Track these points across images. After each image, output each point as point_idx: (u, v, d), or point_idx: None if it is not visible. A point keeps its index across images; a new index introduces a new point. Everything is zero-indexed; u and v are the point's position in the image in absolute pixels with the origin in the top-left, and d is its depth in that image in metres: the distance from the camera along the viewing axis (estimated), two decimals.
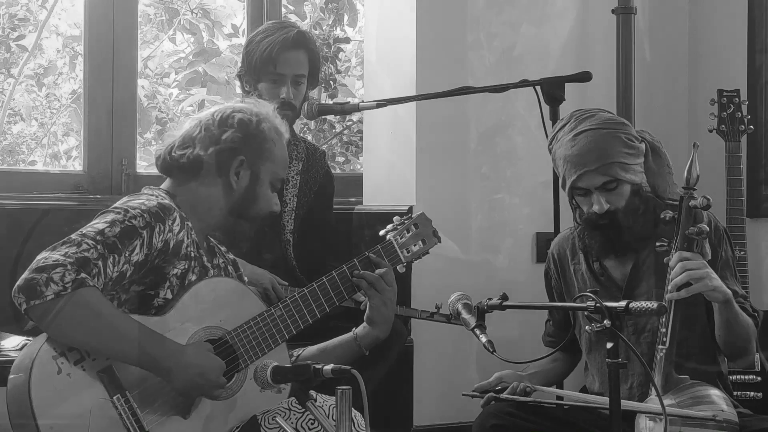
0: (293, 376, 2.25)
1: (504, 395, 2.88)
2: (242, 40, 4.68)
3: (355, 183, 4.32)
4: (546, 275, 3.20)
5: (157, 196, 2.47)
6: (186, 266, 2.45)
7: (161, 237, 2.38)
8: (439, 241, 2.84)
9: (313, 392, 2.29)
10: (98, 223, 2.34)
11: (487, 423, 2.89)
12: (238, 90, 3.72)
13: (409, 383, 3.96)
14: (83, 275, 2.24)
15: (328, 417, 2.48)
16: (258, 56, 3.51)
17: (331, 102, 4.97)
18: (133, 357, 2.30)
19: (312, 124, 5.28)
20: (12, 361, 2.36)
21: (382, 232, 2.78)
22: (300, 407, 2.53)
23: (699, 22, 4.53)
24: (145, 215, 2.37)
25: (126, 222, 2.34)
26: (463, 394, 2.93)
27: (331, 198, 3.81)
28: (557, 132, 3.03)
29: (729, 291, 2.77)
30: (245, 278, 2.78)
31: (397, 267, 2.76)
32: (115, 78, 4.02)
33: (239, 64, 3.70)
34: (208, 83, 5.30)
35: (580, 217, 3.01)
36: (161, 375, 2.32)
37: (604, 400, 2.79)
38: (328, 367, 2.21)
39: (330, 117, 5.30)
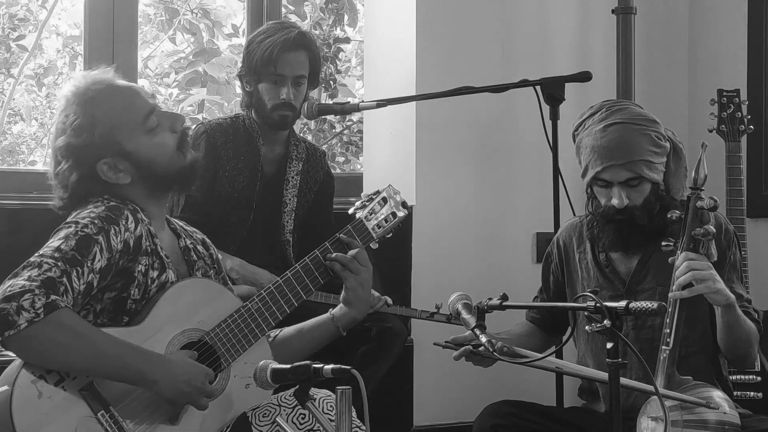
0: (293, 376, 2.25)
1: (481, 350, 2.80)
2: (242, 40, 4.68)
3: (355, 183, 4.32)
4: (546, 258, 3.20)
5: (102, 201, 2.43)
6: (147, 262, 2.42)
7: (119, 238, 2.35)
8: (408, 212, 2.79)
9: (311, 392, 2.29)
10: (53, 242, 2.31)
11: (488, 422, 2.89)
12: (238, 90, 3.72)
13: (409, 383, 3.96)
14: (53, 297, 2.20)
15: (319, 408, 2.47)
16: (259, 57, 3.51)
17: (331, 102, 4.98)
18: (116, 372, 2.28)
19: (312, 124, 5.28)
20: (10, 362, 2.34)
21: (350, 211, 2.74)
22: (290, 402, 2.54)
23: (699, 22, 4.53)
24: (96, 221, 2.34)
25: (79, 233, 2.31)
26: (434, 344, 2.85)
27: (331, 198, 3.81)
28: (585, 119, 3.02)
29: (732, 295, 2.77)
30: (219, 256, 2.73)
31: (370, 244, 2.72)
32: None
33: (239, 64, 3.70)
34: (208, 83, 5.31)
35: (595, 209, 3.00)
36: (148, 387, 2.31)
37: (600, 374, 2.77)
38: (328, 367, 2.21)
39: (330, 117, 5.31)
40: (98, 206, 2.40)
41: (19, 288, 2.18)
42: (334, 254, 2.64)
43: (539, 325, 3.19)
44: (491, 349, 2.54)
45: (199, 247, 2.66)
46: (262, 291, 2.58)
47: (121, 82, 2.53)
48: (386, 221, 2.75)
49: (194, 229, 2.72)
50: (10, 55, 4.78)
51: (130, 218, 2.40)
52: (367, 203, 2.75)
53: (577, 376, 2.92)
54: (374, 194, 2.75)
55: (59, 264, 2.25)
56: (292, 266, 3.57)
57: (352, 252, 2.65)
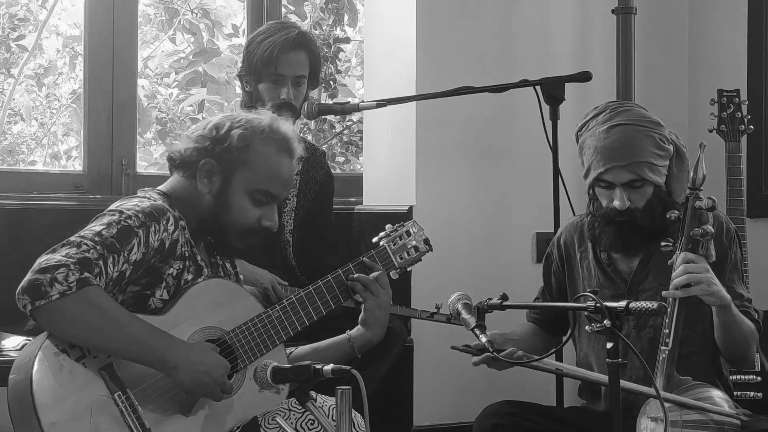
0: (293, 376, 2.25)
1: (503, 356, 2.82)
2: (242, 40, 4.68)
3: (355, 183, 4.32)
4: (547, 258, 3.20)
5: (149, 198, 2.49)
6: (181, 266, 2.46)
7: (157, 236, 2.40)
8: (431, 250, 2.87)
9: (313, 393, 2.29)
10: (95, 226, 2.36)
11: (488, 422, 2.89)
12: (238, 90, 3.72)
13: (409, 383, 3.96)
14: (87, 274, 2.25)
15: (327, 417, 2.48)
16: (259, 57, 3.51)
17: (331, 102, 4.97)
18: (139, 354, 2.31)
19: (312, 124, 5.28)
20: (12, 362, 2.36)
21: (375, 239, 2.82)
22: (300, 407, 2.54)
23: (699, 22, 4.53)
24: (140, 215, 2.39)
25: (122, 222, 2.36)
26: (452, 347, 2.87)
27: (331, 198, 3.81)
28: (589, 120, 3.02)
29: (727, 296, 2.77)
30: (241, 276, 2.79)
31: (390, 273, 2.78)
32: (115, 78, 4.02)
33: (239, 64, 3.70)
34: (208, 83, 5.30)
35: (597, 210, 3.00)
36: (167, 372, 2.33)
37: (601, 377, 2.79)
38: (328, 367, 2.21)
39: (330, 117, 5.30)
40: (144, 201, 2.45)
41: (56, 261, 2.24)
42: (356, 275, 2.70)
43: (541, 326, 3.19)
44: (491, 350, 2.54)
45: (228, 265, 2.72)
46: (284, 300, 2.63)
47: (299, 151, 2.62)
48: (408, 254, 2.83)
49: None
50: (10, 55, 4.78)
51: (171, 221, 2.44)
52: (391, 233, 2.82)
53: (578, 378, 2.93)
54: (399, 226, 2.84)
55: (98, 248, 2.30)
56: (292, 267, 3.60)
57: (374, 274, 2.71)
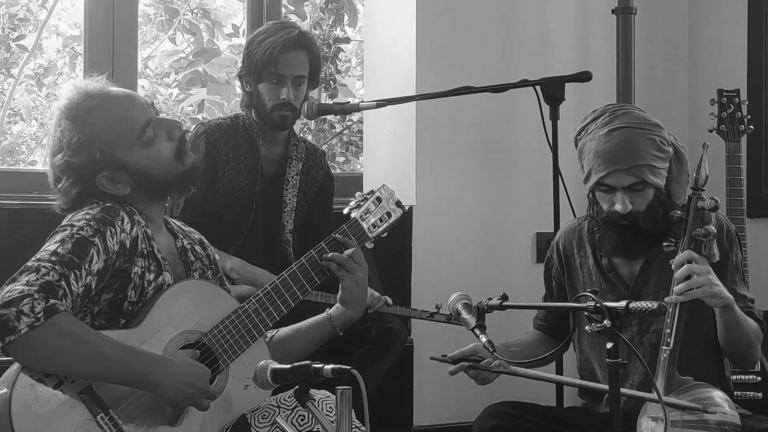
0: (293, 376, 2.25)
1: (482, 365, 2.83)
2: (242, 40, 4.68)
3: (355, 183, 4.32)
4: (547, 263, 3.19)
5: (98, 203, 2.43)
6: (143, 264, 2.41)
7: (115, 239, 2.35)
8: (404, 211, 2.78)
9: (311, 392, 2.29)
10: (49, 245, 2.31)
11: (487, 423, 2.89)
12: (238, 90, 3.72)
13: (409, 383, 3.96)
14: (52, 301, 2.19)
15: (318, 408, 2.47)
16: (259, 57, 3.51)
17: (331, 102, 4.98)
18: (119, 376, 2.27)
19: (312, 124, 5.28)
20: (7, 362, 2.34)
21: (345, 211, 2.75)
22: (290, 403, 2.53)
23: (699, 22, 4.53)
24: (92, 223, 2.34)
25: (75, 235, 2.31)
26: (431, 358, 2.88)
27: (331, 198, 3.81)
28: (588, 123, 3.00)
29: (730, 297, 2.76)
30: (216, 256, 2.74)
31: (366, 244, 2.72)
32: (115, 78, 3.99)
33: (239, 64, 3.70)
34: (208, 83, 5.31)
35: (597, 214, 2.99)
36: (151, 389, 2.30)
37: (600, 386, 2.81)
38: (328, 367, 2.20)
39: (330, 117, 5.31)
40: (93, 208, 2.39)
41: (18, 293, 2.17)
42: (330, 254, 2.64)
43: (546, 332, 3.18)
44: (491, 350, 2.54)
45: (197, 247, 2.66)
46: (259, 292, 2.57)
47: (116, 91, 2.52)
48: (381, 221, 2.74)
49: (192, 230, 2.72)
50: (10, 55, 4.78)
51: (126, 219, 2.40)
52: (361, 203, 2.74)
53: (576, 385, 2.92)
54: (368, 194, 2.75)
55: (57, 267, 2.24)
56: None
57: (348, 251, 2.65)
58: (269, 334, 2.67)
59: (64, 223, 2.38)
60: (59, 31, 4.97)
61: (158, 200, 2.54)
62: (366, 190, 4.18)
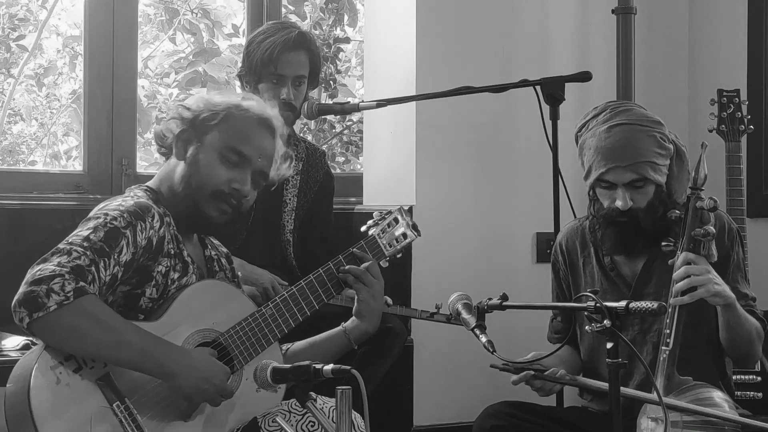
0: (293, 376, 2.25)
1: (547, 374, 2.80)
2: (242, 40, 4.68)
3: (355, 183, 4.32)
4: (554, 266, 3.18)
5: (132, 197, 2.47)
6: (168, 264, 2.45)
7: (144, 234, 2.38)
8: (419, 235, 2.84)
9: (312, 393, 2.29)
10: (82, 231, 2.34)
11: (487, 424, 2.89)
12: (238, 90, 3.72)
13: (409, 383, 3.96)
14: (82, 283, 2.23)
15: (328, 418, 2.48)
16: (259, 57, 3.51)
17: (331, 102, 4.97)
18: (138, 362, 2.30)
19: (312, 124, 5.28)
20: (12, 361, 2.36)
21: (363, 228, 2.80)
22: (300, 409, 2.53)
23: (699, 22, 4.53)
24: (125, 215, 2.37)
25: (108, 224, 2.34)
26: (491, 366, 2.81)
27: (331, 198, 3.81)
28: (589, 120, 3.00)
29: (731, 295, 2.76)
30: (238, 273, 2.77)
31: (380, 262, 2.77)
32: (115, 78, 4.02)
33: (239, 64, 3.70)
34: (208, 83, 5.30)
35: (597, 211, 2.99)
36: (166, 379, 2.32)
37: (602, 385, 2.79)
38: (328, 367, 2.21)
39: (330, 117, 5.30)
40: (128, 200, 2.44)
41: (50, 272, 2.22)
42: (347, 266, 2.68)
43: (568, 342, 3.11)
44: (491, 350, 2.54)
45: (223, 260, 2.71)
46: (276, 297, 2.62)
47: (282, 130, 2.64)
48: (397, 241, 2.81)
49: (220, 243, 2.76)
50: (10, 55, 4.78)
51: (156, 217, 2.43)
52: (379, 222, 2.80)
53: (578, 386, 2.92)
54: (387, 214, 2.81)
55: (88, 253, 2.28)
56: (292, 267, 3.60)
57: (365, 264, 2.70)
58: (284, 347, 2.70)
59: (97, 209, 2.41)
60: (59, 31, 4.96)
61: (191, 221, 2.56)
62: (366, 189, 4.22)
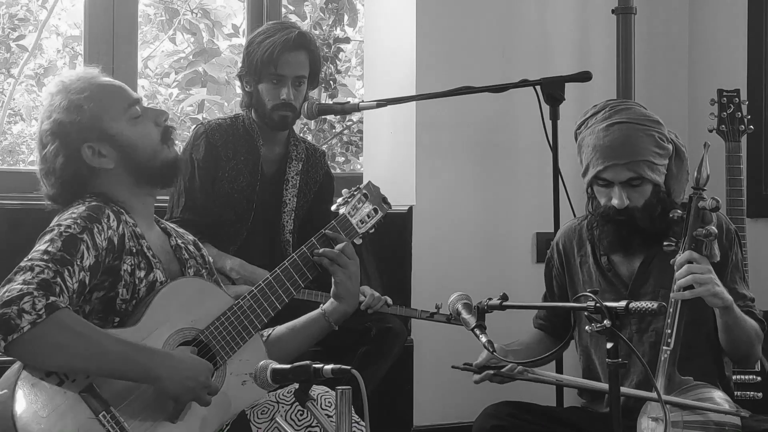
0: (293, 376, 2.25)
1: (505, 371, 2.83)
2: (242, 40, 4.69)
3: (355, 183, 4.31)
4: (548, 263, 3.19)
5: (82, 203, 2.44)
6: (132, 262, 2.43)
7: (102, 236, 2.36)
8: (390, 208, 2.82)
9: (310, 392, 2.29)
10: (40, 246, 2.32)
11: (487, 424, 2.89)
12: (238, 90, 3.72)
13: (409, 383, 3.96)
14: (52, 298, 2.21)
15: (317, 406, 2.47)
16: (259, 57, 3.51)
17: (331, 102, 4.98)
18: (121, 370, 2.28)
19: (312, 124, 5.28)
20: (9, 361, 2.34)
21: (333, 207, 2.77)
22: (288, 399, 2.54)
23: (699, 22, 4.53)
24: (78, 221, 2.35)
25: (63, 234, 2.32)
26: (453, 367, 2.89)
27: (331, 198, 3.81)
28: (588, 118, 3.00)
29: (729, 297, 2.76)
30: (210, 258, 2.74)
31: (354, 240, 2.75)
32: (115, 78, 3.99)
33: (239, 64, 3.70)
34: (208, 83, 5.31)
35: (595, 209, 2.99)
36: (152, 383, 2.31)
37: (600, 385, 2.81)
38: (328, 367, 2.21)
39: (330, 117, 5.31)
40: (78, 207, 2.41)
41: (17, 291, 2.18)
42: (321, 249, 2.67)
43: (547, 331, 3.19)
44: (491, 350, 2.54)
45: (191, 247, 2.67)
46: (252, 288, 2.59)
47: (106, 78, 2.57)
48: (369, 217, 2.78)
49: (185, 231, 2.74)
50: (10, 55, 4.78)
51: (112, 217, 2.41)
52: (349, 199, 2.77)
53: (578, 387, 2.92)
54: (355, 190, 2.79)
55: (50, 265, 2.25)
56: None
57: (338, 246, 2.67)
58: (265, 333, 2.68)
59: (51, 224, 2.39)
60: (59, 31, 4.97)
61: (144, 188, 2.54)
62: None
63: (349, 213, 2.75)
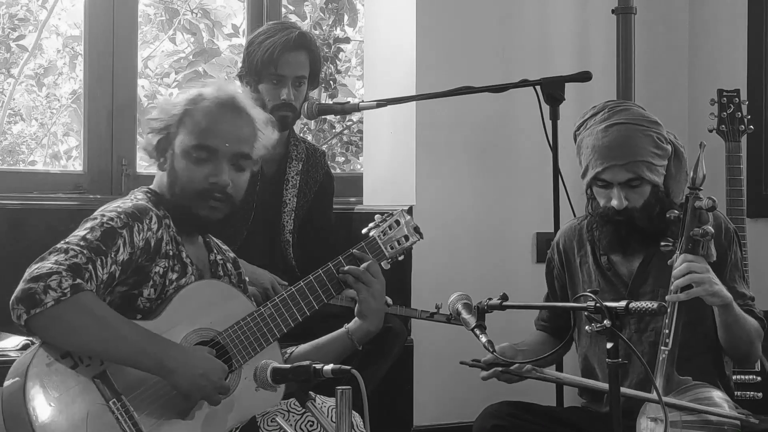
0: (293, 376, 2.25)
1: (513, 369, 2.83)
2: (242, 40, 4.68)
3: (355, 183, 4.32)
4: (548, 264, 3.19)
5: (132, 199, 2.49)
6: (166, 264, 2.46)
7: (141, 236, 2.40)
8: (421, 238, 2.85)
9: (312, 393, 2.29)
10: (79, 231, 2.37)
11: (488, 423, 2.89)
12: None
13: (409, 383, 3.96)
14: (79, 280, 2.25)
15: (327, 417, 2.48)
16: (259, 57, 3.51)
17: (331, 102, 4.97)
18: (135, 359, 2.30)
19: (312, 124, 5.28)
20: (11, 361, 2.36)
21: (364, 230, 2.80)
22: (299, 409, 2.53)
23: (699, 22, 4.53)
24: (122, 216, 2.39)
25: (105, 225, 2.36)
26: (461, 362, 2.87)
27: (331, 198, 3.81)
28: (587, 119, 3.01)
29: (729, 296, 2.76)
30: (246, 277, 2.77)
31: (381, 264, 2.76)
32: (115, 78, 4.02)
33: (239, 65, 3.70)
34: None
35: (594, 209, 2.99)
36: (164, 376, 2.32)
37: (601, 384, 2.81)
38: (328, 367, 2.21)
39: (330, 117, 5.30)
40: (126, 202, 2.46)
41: (47, 269, 2.23)
42: (347, 267, 2.68)
43: (549, 332, 3.18)
44: (491, 350, 2.54)
45: (229, 265, 2.70)
46: (275, 297, 2.62)
47: (255, 111, 2.62)
48: (398, 243, 2.81)
49: (228, 248, 2.77)
50: (10, 55, 4.78)
51: (154, 219, 2.45)
52: (380, 224, 2.81)
53: (583, 386, 2.92)
54: (388, 216, 2.81)
55: (85, 252, 2.30)
56: (292, 267, 3.60)
57: (364, 264, 2.70)
58: (288, 350, 2.70)
59: (95, 213, 2.43)
60: (59, 31, 4.97)
61: (189, 222, 2.56)
62: (366, 189, 4.22)
63: (378, 237, 2.78)
